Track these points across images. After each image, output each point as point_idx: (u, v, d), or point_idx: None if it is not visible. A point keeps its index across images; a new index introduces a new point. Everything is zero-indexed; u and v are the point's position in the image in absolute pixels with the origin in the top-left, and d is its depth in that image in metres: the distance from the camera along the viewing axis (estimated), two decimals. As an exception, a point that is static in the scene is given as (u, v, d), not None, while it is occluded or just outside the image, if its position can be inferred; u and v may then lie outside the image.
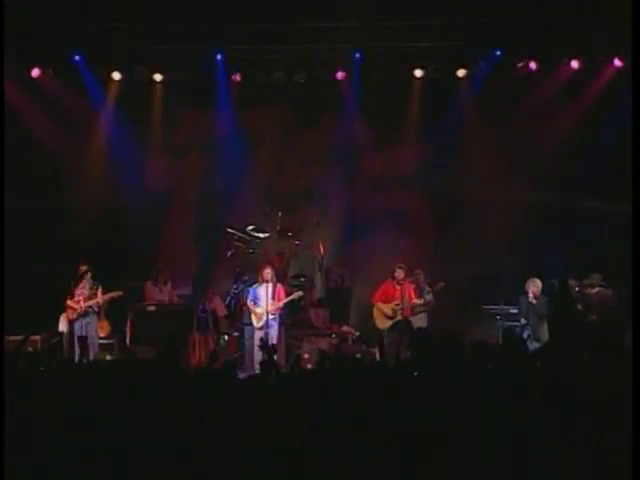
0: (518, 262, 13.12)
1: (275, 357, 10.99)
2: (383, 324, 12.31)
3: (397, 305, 12.19)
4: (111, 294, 12.15)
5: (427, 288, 12.68)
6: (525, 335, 11.48)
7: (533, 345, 11.16)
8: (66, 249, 13.57)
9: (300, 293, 12.63)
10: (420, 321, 12.37)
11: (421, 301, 12.40)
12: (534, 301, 11.79)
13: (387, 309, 12.25)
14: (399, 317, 12.17)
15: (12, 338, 11.91)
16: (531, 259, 13.17)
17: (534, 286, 11.84)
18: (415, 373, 6.45)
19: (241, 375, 7.45)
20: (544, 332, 11.69)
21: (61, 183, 14.37)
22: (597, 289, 11.97)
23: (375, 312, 12.40)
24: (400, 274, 12.27)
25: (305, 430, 5.30)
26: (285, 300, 12.21)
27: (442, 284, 12.63)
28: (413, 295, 12.35)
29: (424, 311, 12.50)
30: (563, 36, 13.48)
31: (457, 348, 6.66)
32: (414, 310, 12.34)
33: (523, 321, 11.88)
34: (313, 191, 14.82)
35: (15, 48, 13.12)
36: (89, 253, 12.89)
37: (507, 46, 13.86)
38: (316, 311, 13.59)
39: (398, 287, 12.28)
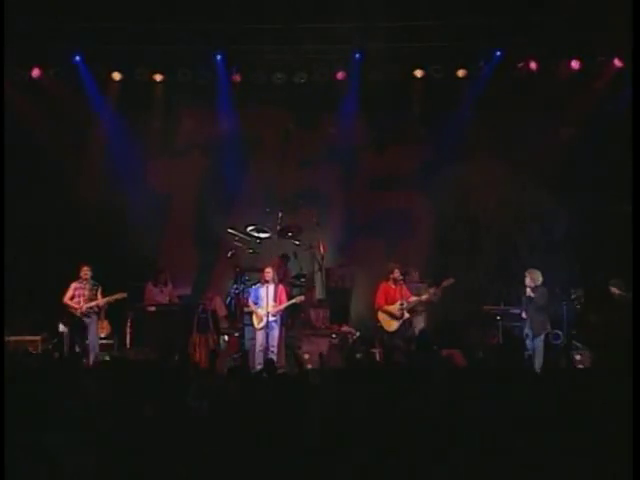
0: (519, 262, 13.10)
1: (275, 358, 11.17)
2: (392, 326, 12.23)
3: (401, 304, 12.16)
4: (115, 296, 12.10)
5: (424, 286, 12.65)
6: (525, 331, 11.45)
7: (531, 339, 11.21)
8: (66, 249, 13.56)
9: (302, 298, 12.59)
10: (419, 322, 12.34)
11: (422, 298, 12.34)
12: (532, 294, 11.65)
13: (393, 309, 12.18)
14: (406, 316, 12.14)
15: (12, 338, 11.97)
16: (532, 259, 13.15)
17: (530, 278, 11.74)
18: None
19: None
20: (541, 323, 11.50)
21: (61, 183, 14.36)
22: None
23: (381, 316, 12.27)
24: (398, 274, 12.26)
25: (307, 431, 5.30)
26: (286, 304, 12.18)
27: (452, 280, 12.38)
28: (409, 293, 12.33)
29: (423, 311, 12.47)
30: (563, 36, 13.48)
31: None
32: (415, 309, 12.32)
33: (524, 315, 11.72)
34: (313, 191, 14.81)
35: (15, 48, 13.11)
36: (89, 253, 12.88)
37: (507, 46, 13.87)
38: (316, 311, 13.57)
39: (395, 287, 12.26)
